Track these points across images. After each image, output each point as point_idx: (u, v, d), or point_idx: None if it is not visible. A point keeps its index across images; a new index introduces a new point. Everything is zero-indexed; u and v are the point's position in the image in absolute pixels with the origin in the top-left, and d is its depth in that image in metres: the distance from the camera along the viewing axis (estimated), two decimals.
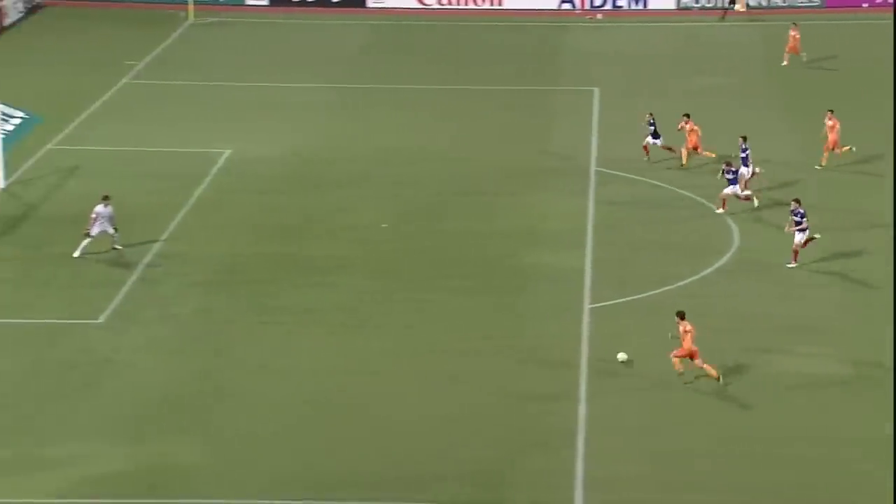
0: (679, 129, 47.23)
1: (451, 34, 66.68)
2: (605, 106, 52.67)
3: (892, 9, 66.00)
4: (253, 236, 41.97)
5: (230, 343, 35.32)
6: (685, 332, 32.98)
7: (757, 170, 44.08)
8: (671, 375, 33.34)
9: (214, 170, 47.48)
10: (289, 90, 57.23)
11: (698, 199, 44.00)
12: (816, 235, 39.35)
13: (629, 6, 70.02)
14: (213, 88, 57.50)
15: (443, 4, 70.54)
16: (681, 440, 31.01)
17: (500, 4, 70.72)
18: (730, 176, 43.04)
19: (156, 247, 40.97)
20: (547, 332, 35.63)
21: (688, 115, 47.58)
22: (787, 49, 58.39)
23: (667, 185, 45.29)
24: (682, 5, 69.27)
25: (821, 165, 46.97)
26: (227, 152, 49.18)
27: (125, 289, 38.13)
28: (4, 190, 45.45)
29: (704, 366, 32.98)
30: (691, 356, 32.99)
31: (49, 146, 49.61)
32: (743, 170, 43.92)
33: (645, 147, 47.29)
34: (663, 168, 46.78)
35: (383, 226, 42.40)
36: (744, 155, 44.34)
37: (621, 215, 43.26)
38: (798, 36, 58.23)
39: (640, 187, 45.45)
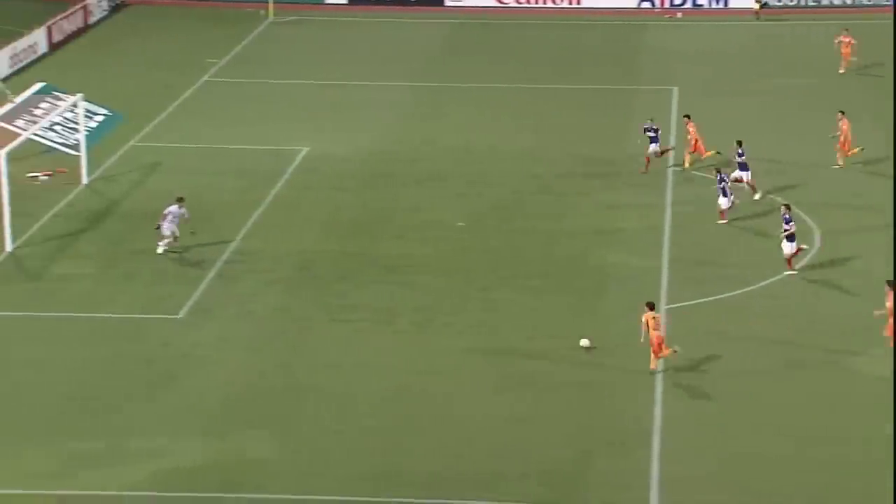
0: (689, 135, 46.72)
1: (528, 33, 66.65)
2: (684, 105, 52.37)
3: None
4: (328, 234, 42.19)
5: (305, 340, 35.55)
6: (653, 318, 33.16)
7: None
8: (749, 376, 33.15)
9: (291, 168, 47.77)
10: (366, 88, 57.46)
11: (778, 199, 43.66)
12: (804, 246, 38.90)
13: (710, 5, 69.64)
14: (291, 86, 57.85)
15: (521, 3, 70.51)
16: (757, 442, 30.80)
17: (578, 3, 70.56)
18: (721, 185, 42.16)
19: (233, 244, 41.29)
20: (622, 331, 35.52)
21: (688, 116, 47.17)
22: (842, 55, 57.04)
23: (745, 186, 44.94)
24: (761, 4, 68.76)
25: (838, 165, 46.57)
26: (305, 150, 49.47)
27: (203, 285, 38.48)
28: (87, 186, 46.03)
29: (665, 351, 33.25)
30: (659, 345, 33.26)
31: (131, 143, 50.16)
32: (741, 174, 43.76)
33: (648, 158, 46.40)
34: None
35: (459, 224, 42.46)
36: (740, 160, 44.13)
37: (699, 215, 43.03)
38: (850, 40, 56.62)
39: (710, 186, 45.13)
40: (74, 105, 46.89)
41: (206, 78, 58.96)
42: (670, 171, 46.76)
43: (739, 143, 44.67)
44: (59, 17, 64.41)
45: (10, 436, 30.90)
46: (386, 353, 34.81)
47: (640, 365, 33.81)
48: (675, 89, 55.79)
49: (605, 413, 32.05)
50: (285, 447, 30.59)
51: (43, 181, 46.27)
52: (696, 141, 46.83)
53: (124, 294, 37.99)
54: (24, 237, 41.63)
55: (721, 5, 69.32)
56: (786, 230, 38.58)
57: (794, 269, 38.55)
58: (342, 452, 30.45)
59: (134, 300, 37.61)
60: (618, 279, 38.62)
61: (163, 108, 54.28)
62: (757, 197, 43.93)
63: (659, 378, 33.29)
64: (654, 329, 33.30)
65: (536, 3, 70.53)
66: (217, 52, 62.67)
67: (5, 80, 55.17)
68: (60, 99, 47.73)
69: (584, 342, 34.49)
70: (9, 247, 40.66)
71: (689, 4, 69.52)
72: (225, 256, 40.44)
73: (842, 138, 46.74)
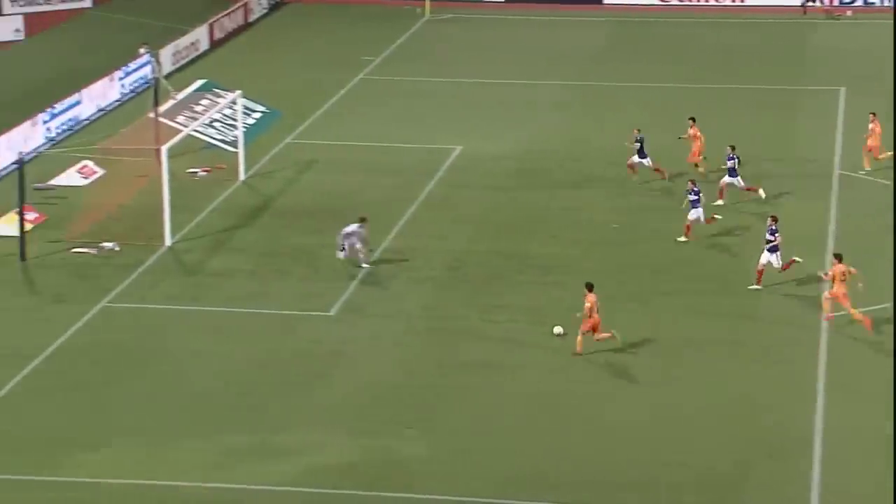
0: (684, 137, 45.70)
1: (689, 31, 66.07)
2: (852, 106, 51.45)
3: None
4: (480, 233, 42.29)
5: (455, 340, 35.66)
6: (591, 305, 33.63)
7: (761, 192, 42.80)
8: None
9: (445, 166, 47.98)
10: (522, 87, 57.48)
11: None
12: (798, 259, 37.84)
13: (881, 2, 68.13)
14: (446, 85, 58.10)
15: (682, 1, 69.86)
16: None
17: (742, 1, 69.71)
18: (693, 197, 40.90)
19: (385, 242, 41.61)
20: (782, 337, 35.05)
21: (693, 120, 46.13)
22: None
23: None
24: None
25: (864, 170, 45.50)
26: (459, 149, 49.64)
27: (355, 283, 38.83)
28: (244, 182, 46.74)
29: (603, 334, 33.82)
30: (593, 329, 33.72)
31: (287, 140, 50.82)
32: (730, 179, 42.93)
33: (630, 166, 45.36)
34: None
35: (613, 226, 42.26)
36: (731, 165, 43.11)
37: (864, 221, 42.19)
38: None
39: (887, 192, 44.23)
40: (233, 102, 47.66)
41: (361, 76, 59.48)
42: (836, 174, 45.92)
43: (732, 148, 43.45)
44: (220, 15, 65.52)
45: (167, 427, 31.51)
46: (537, 355, 34.77)
47: (802, 371, 33.32)
48: (843, 90, 54.81)
49: (765, 419, 31.56)
50: (434, 447, 30.72)
51: (202, 177, 47.12)
52: (697, 145, 45.82)
53: (278, 290, 38.52)
54: (183, 232, 42.44)
55: (893, 3, 67.66)
56: (769, 241, 37.55)
57: (759, 285, 37.59)
58: (490, 454, 30.49)
59: (287, 296, 38.11)
60: (777, 284, 37.97)
61: (318, 106, 54.90)
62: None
63: (820, 385, 32.72)
64: (595, 313, 33.81)
65: (698, 1, 69.83)
66: (373, 49, 63.20)
67: (167, 76, 56.28)
68: (220, 96, 48.57)
69: (558, 330, 34.66)
70: (168, 241, 41.50)
71: (859, 2, 68.12)
72: (376, 254, 40.77)
73: (872, 142, 45.39)
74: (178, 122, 46.13)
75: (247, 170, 47.21)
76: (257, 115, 49.62)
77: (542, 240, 41.71)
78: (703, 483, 29.28)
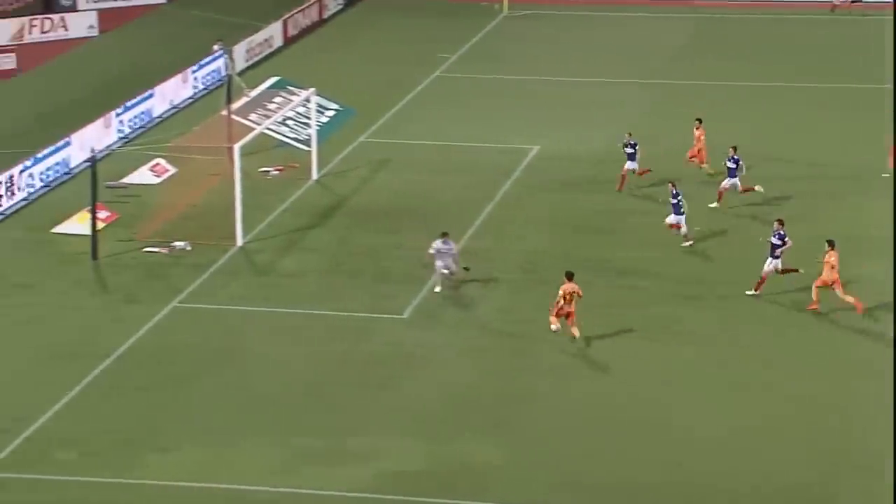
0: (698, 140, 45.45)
1: (777, 28, 65.53)
2: None
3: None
4: (556, 236, 42.14)
5: (530, 343, 35.57)
6: (573, 293, 34.37)
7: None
8: None
9: (522, 166, 47.89)
10: (603, 86, 57.29)
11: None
12: (801, 270, 37.29)
13: None
14: (525, 83, 58.00)
15: None
16: None
17: None
18: (674, 201, 40.63)
19: (460, 243, 41.53)
20: (867, 346, 34.64)
21: (700, 121, 45.64)
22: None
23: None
24: None
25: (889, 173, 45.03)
26: (536, 149, 49.53)
27: (428, 285, 38.80)
28: (317, 182, 46.89)
29: (574, 328, 34.65)
30: (567, 316, 34.45)
31: (361, 138, 50.93)
32: (731, 182, 42.83)
33: (623, 176, 44.89)
34: None
35: (696, 229, 41.96)
36: (733, 166, 42.86)
37: None
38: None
39: None
40: (307, 100, 47.82)
41: (437, 73, 59.51)
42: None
43: (734, 149, 43.19)
44: (294, 12, 65.81)
45: (236, 429, 31.65)
46: (613, 360, 34.60)
47: (888, 380, 32.94)
48: None
49: (853, 431, 31.21)
50: (507, 454, 30.63)
51: (274, 176, 47.32)
52: (700, 150, 45.44)
53: (350, 292, 38.59)
54: (255, 231, 42.65)
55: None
56: (775, 245, 37.16)
57: (757, 291, 37.23)
58: (564, 460, 30.35)
59: (359, 298, 38.17)
60: (862, 290, 37.50)
61: (393, 104, 54.99)
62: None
63: None
64: (570, 303, 34.45)
65: None
66: (450, 46, 63.21)
67: (241, 74, 56.59)
68: (293, 93, 48.73)
69: (554, 327, 34.84)
70: (240, 241, 41.71)
71: None
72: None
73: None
74: (250, 120, 46.34)
75: (320, 169, 47.36)
76: (331, 114, 49.70)
77: (619, 243, 41.50)
78: (780, 494, 28.96)
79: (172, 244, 41.56)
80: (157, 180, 46.98)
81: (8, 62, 60.49)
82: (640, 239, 41.68)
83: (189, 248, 41.44)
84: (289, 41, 64.63)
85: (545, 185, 46.14)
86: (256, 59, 61.48)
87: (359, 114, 51.70)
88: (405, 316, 37.19)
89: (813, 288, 36.48)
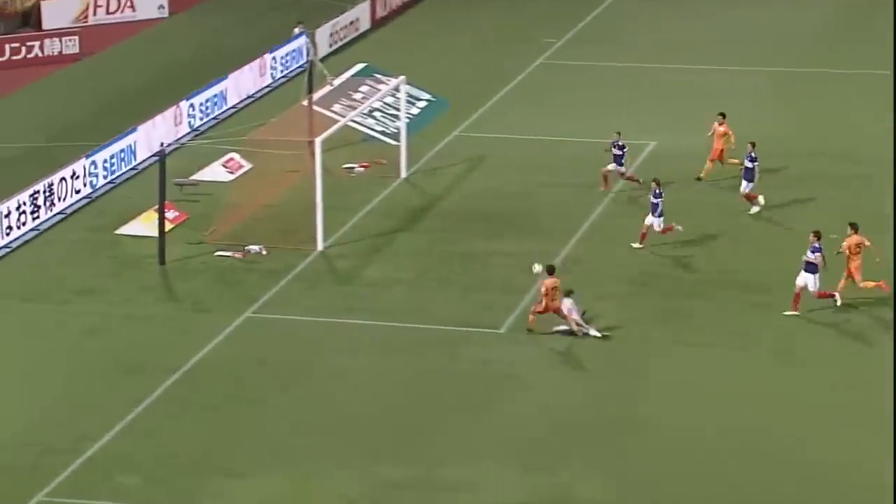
0: (710, 135, 45.27)
1: None
2: None
3: None
4: (673, 242, 41.88)
5: (643, 364, 35.41)
6: (553, 288, 35.72)
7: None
8: None
9: (635, 164, 47.66)
10: (729, 74, 56.97)
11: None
12: (837, 300, 37.17)
13: None
14: (639, 71, 57.80)
15: None
16: None
17: None
18: (654, 201, 40.47)
19: (564, 250, 41.47)
20: None
21: (723, 115, 45.33)
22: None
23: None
24: None
25: None
26: (652, 145, 49.34)
27: (528, 296, 38.72)
28: (406, 180, 47.00)
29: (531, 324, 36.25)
30: (556, 311, 35.87)
31: (455, 132, 50.99)
32: (747, 185, 42.93)
33: (606, 175, 44.80)
34: None
35: (832, 237, 41.47)
36: (750, 165, 42.77)
37: None
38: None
39: None
40: (396, 89, 47.96)
41: (541, 60, 59.43)
42: None
43: (752, 146, 43.19)
44: None
45: (314, 455, 31.77)
46: (739, 384, 34.32)
47: None
48: None
49: None
50: (616, 486, 30.49)
51: (359, 173, 47.51)
52: (722, 150, 45.19)
53: (441, 302, 38.64)
54: (337, 235, 42.84)
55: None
56: (808, 259, 36.93)
57: (797, 311, 37.06)
58: (680, 495, 30.16)
59: (451, 310, 38.19)
60: None
61: (492, 94, 54.99)
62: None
63: None
64: (555, 299, 35.81)
65: None
66: (556, 30, 63.10)
67: (323, 60, 56.84)
68: (381, 82, 48.94)
69: (537, 268, 35.96)
70: (320, 245, 41.90)
71: None
72: (555, 263, 40.59)
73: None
74: (334, 112, 46.59)
75: (409, 166, 47.46)
76: (422, 104, 49.83)
77: (747, 251, 41.17)
78: None
79: (246, 248, 41.84)
80: (231, 177, 47.33)
81: (70, 46, 61.24)
82: (770, 247, 41.26)
83: (264, 252, 41.70)
84: (377, 24, 64.86)
85: (662, 186, 45.80)
86: (341, 43, 61.76)
87: (453, 105, 51.76)
88: (502, 330, 37.15)
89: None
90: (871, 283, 37.39)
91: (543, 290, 36.33)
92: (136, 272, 40.92)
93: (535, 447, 31.99)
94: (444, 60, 59.24)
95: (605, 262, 40.72)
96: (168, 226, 42.28)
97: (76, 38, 61.54)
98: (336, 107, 47.13)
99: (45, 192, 43.78)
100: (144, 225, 43.18)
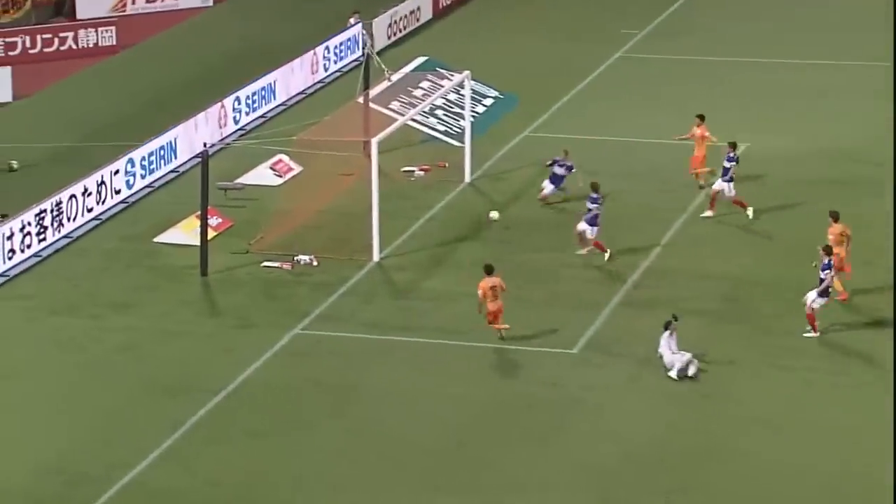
0: (682, 139, 45.59)
1: None
2: None
3: None
4: (768, 255, 41.84)
5: (731, 389, 35.32)
6: (491, 288, 36.86)
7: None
8: None
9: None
10: (831, 69, 56.75)
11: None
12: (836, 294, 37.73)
13: None
14: (728, 65, 57.76)
15: None
16: None
17: None
18: (590, 205, 41.10)
19: (646, 262, 41.44)
20: None
21: (702, 118, 45.45)
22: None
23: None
24: None
25: None
26: (743, 146, 49.16)
27: (606, 312, 38.76)
28: (470, 184, 47.12)
29: (500, 325, 36.94)
30: (495, 315, 36.89)
31: (525, 133, 51.08)
32: (722, 185, 43.29)
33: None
34: None
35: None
36: (728, 165, 43.23)
37: None
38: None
39: None
40: (460, 85, 48.10)
41: (619, 53, 59.47)
42: None
43: (733, 146, 43.72)
44: None
45: (369, 483, 31.89)
46: (838, 413, 34.19)
47: None
48: None
49: None
50: None
51: (419, 177, 47.66)
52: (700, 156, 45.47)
53: (508, 319, 38.64)
54: (395, 244, 43.01)
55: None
56: (821, 281, 36.99)
57: (816, 332, 37.16)
58: None
59: (519, 328, 38.20)
60: None
61: (565, 91, 55.06)
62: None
63: None
64: (495, 299, 36.77)
65: None
66: (636, 20, 63.12)
67: (381, 53, 57.06)
68: (444, 77, 49.11)
69: (493, 215, 36.73)
70: (376, 255, 42.07)
71: None
72: (635, 277, 40.64)
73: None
74: (392, 110, 46.86)
75: (474, 169, 47.58)
76: (488, 102, 50.08)
77: (852, 266, 40.94)
78: None
79: (296, 258, 42.07)
80: (279, 181, 47.61)
81: (107, 38, 61.84)
82: (878, 261, 41.05)
83: (315, 263, 41.91)
84: (440, 13, 65.06)
85: (755, 192, 45.76)
86: (401, 35, 62.00)
87: (523, 102, 51.87)
88: (575, 351, 37.19)
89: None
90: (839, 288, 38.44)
91: (481, 293, 36.98)
92: (175, 284, 41.21)
93: (609, 479, 31.96)
94: (513, 54, 59.33)
95: (690, 277, 40.61)
96: (211, 234, 42.57)
97: (113, 28, 62.15)
98: (394, 104, 47.39)
99: (78, 196, 44.13)
100: (185, 233, 43.47)
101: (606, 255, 41.35)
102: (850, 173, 46.93)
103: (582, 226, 41.59)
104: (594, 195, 41.64)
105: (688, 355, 35.58)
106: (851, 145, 48.80)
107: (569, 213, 44.50)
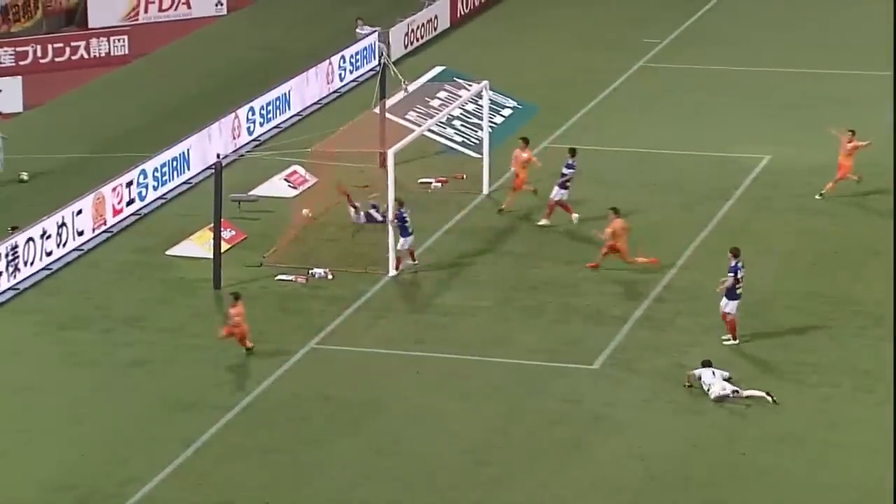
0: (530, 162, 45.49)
1: None
2: None
3: None
4: (792, 269, 41.80)
5: (755, 406, 35.25)
6: (238, 314, 37.38)
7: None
8: None
9: (747, 181, 47.63)
10: (856, 79, 56.67)
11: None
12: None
13: None
14: (752, 75, 57.72)
15: None
16: None
17: None
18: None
19: (668, 276, 41.43)
20: None
21: (525, 141, 45.69)
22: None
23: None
24: None
25: None
26: (766, 159, 49.26)
27: (627, 327, 38.76)
28: (488, 196, 47.12)
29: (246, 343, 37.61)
30: (240, 337, 37.47)
31: (545, 143, 51.04)
32: (560, 192, 43.75)
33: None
34: None
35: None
36: (568, 172, 43.65)
37: None
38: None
39: None
40: (479, 95, 48.11)
41: (641, 63, 59.45)
42: None
43: (572, 153, 44.25)
44: None
45: (391, 499, 31.89)
46: (862, 430, 34.14)
47: None
48: None
49: None
50: None
51: (436, 188, 47.68)
52: (519, 176, 45.37)
53: (526, 334, 38.71)
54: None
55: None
56: (722, 280, 37.29)
57: (735, 339, 37.53)
58: None
59: (537, 342, 38.26)
60: None
61: (586, 101, 55.06)
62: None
63: None
64: (238, 325, 37.45)
65: None
66: (659, 29, 63.11)
67: (397, 62, 57.10)
68: (462, 87, 49.09)
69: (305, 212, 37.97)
70: (392, 269, 42.08)
71: None
72: (655, 292, 40.62)
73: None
74: (408, 120, 46.82)
75: (492, 181, 47.60)
76: (507, 112, 49.99)
77: (875, 280, 40.94)
78: None
79: (310, 271, 42.11)
80: (294, 193, 47.63)
81: (119, 47, 61.92)
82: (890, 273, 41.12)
83: (330, 276, 41.95)
84: (458, 22, 65.08)
85: (778, 206, 45.79)
86: (418, 44, 62.05)
87: (542, 113, 51.85)
88: (595, 366, 37.18)
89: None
90: (642, 259, 41.08)
91: (234, 312, 37.65)
92: (188, 298, 41.28)
93: (629, 499, 31.93)
94: (533, 63, 59.34)
95: (713, 292, 40.42)
96: (224, 246, 42.63)
97: (125, 37, 62.21)
98: (411, 114, 47.36)
99: (88, 209, 44.23)
100: (198, 245, 43.54)
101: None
102: (878, 185, 46.76)
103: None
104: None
105: (730, 388, 35.40)
106: (876, 156, 48.65)
107: (589, 224, 44.54)
